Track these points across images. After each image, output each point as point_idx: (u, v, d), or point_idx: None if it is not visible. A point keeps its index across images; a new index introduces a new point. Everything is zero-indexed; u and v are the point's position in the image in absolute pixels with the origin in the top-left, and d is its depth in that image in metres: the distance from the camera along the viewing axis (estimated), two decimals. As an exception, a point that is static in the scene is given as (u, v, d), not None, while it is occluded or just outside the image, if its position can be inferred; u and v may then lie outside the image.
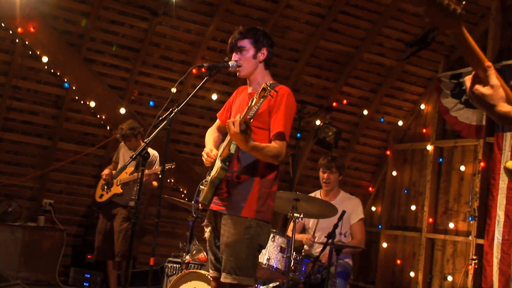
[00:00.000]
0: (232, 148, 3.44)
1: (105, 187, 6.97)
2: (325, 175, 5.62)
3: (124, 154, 7.00)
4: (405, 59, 7.92)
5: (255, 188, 3.49)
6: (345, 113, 8.75)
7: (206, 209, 3.71)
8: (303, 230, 5.87)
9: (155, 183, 6.91)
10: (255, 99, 3.17)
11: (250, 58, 3.58)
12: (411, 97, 8.81)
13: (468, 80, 1.90)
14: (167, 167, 6.47)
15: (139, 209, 3.56)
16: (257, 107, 3.25)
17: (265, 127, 3.51)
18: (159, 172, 6.69)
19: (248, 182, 3.49)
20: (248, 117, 3.23)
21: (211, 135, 3.84)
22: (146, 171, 6.54)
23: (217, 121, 3.92)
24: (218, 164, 3.50)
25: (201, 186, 3.64)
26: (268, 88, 3.13)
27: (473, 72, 1.89)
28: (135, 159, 3.41)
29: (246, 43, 3.58)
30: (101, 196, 7.00)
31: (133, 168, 6.65)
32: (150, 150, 6.77)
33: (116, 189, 6.85)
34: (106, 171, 6.97)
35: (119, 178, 6.80)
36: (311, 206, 4.96)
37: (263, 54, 3.60)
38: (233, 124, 3.23)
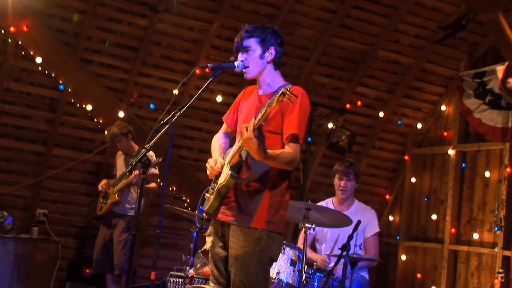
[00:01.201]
0: (243, 155, 3.44)
1: (104, 198, 7.01)
2: (342, 182, 5.60)
3: (121, 163, 7.03)
4: (438, 42, 7.84)
5: (266, 197, 3.49)
6: (359, 115, 8.75)
7: (211, 219, 3.71)
8: (314, 241, 5.86)
9: (154, 185, 6.93)
10: (273, 103, 3.17)
11: (257, 58, 3.58)
12: (430, 98, 8.80)
13: (500, 71, 1.86)
14: (154, 162, 6.46)
15: (139, 219, 3.57)
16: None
17: (277, 131, 3.50)
18: (157, 173, 6.77)
19: (258, 190, 3.49)
20: (262, 122, 3.25)
21: (217, 142, 3.84)
22: (136, 172, 6.53)
23: (224, 126, 3.92)
24: (226, 171, 3.49)
25: (206, 194, 3.64)
26: (288, 92, 3.13)
27: (506, 63, 1.86)
28: (135, 165, 3.42)
29: (252, 42, 3.58)
30: (101, 208, 7.05)
31: (128, 174, 6.65)
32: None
33: (113, 198, 6.90)
34: (102, 182, 7.01)
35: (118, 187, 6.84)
36: (324, 216, 4.96)
37: (270, 54, 3.60)
38: (247, 130, 3.24)
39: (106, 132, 7.06)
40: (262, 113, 3.24)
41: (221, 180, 3.52)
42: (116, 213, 6.91)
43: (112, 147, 7.39)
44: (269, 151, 3.37)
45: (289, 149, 3.44)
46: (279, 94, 3.15)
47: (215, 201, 3.56)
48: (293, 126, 3.46)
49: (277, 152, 3.41)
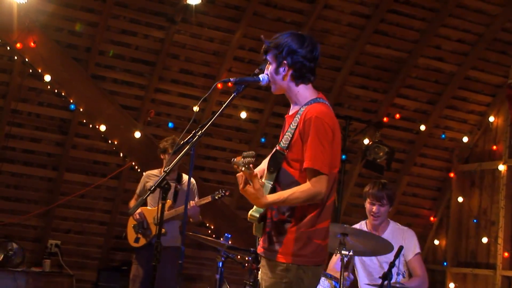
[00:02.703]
0: (266, 189, 3.46)
1: (139, 228, 6.77)
2: (374, 208, 5.52)
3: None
4: None
5: (292, 229, 3.46)
6: (398, 130, 8.70)
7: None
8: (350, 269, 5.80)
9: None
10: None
11: (273, 73, 3.52)
12: (477, 108, 8.72)
13: None
14: (217, 196, 6.42)
15: (160, 250, 3.58)
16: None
17: (301, 159, 3.48)
18: (212, 200, 6.56)
19: (285, 222, 3.48)
20: (253, 173, 3.30)
21: (265, 161, 3.83)
22: (192, 203, 6.48)
23: None
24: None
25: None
26: (240, 166, 3.27)
27: None
28: (153, 191, 3.43)
29: (269, 56, 3.54)
30: (137, 240, 6.76)
31: (171, 202, 6.60)
32: (187, 177, 6.77)
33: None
34: (137, 210, 6.64)
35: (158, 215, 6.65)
36: (361, 242, 4.91)
37: (284, 70, 3.50)
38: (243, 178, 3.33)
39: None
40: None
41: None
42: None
43: (129, 169, 7.41)
44: (272, 198, 3.39)
45: (306, 185, 3.39)
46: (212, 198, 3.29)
47: (258, 226, 3.59)
48: (307, 158, 3.39)
49: (284, 196, 3.38)
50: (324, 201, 3.48)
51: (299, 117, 3.43)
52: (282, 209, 3.48)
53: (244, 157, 3.29)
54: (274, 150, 3.50)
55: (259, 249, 3.59)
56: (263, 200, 3.37)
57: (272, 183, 3.46)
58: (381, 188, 5.46)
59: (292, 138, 3.41)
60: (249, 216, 3.50)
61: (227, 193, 6.40)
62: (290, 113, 3.57)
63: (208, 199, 6.52)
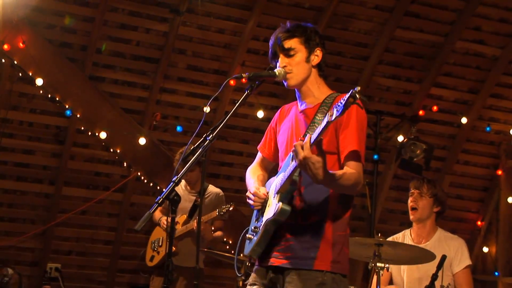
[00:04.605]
0: (295, 181, 3.44)
1: (156, 245, 6.81)
2: (412, 197, 5.53)
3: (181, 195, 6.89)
4: None
5: (328, 232, 3.47)
6: (436, 124, 8.66)
7: (258, 265, 3.69)
8: (391, 283, 5.79)
9: (219, 233, 6.79)
10: (335, 110, 3.06)
11: (302, 62, 3.58)
12: (525, 96, 8.69)
13: None
14: (224, 210, 6.38)
15: (173, 269, 3.59)
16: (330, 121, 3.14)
17: (333, 150, 3.48)
18: (218, 216, 6.48)
19: (318, 224, 3.48)
20: (322, 137, 3.21)
21: (253, 173, 3.83)
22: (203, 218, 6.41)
23: (258, 156, 3.93)
24: (274, 203, 3.48)
25: (247, 235, 3.64)
26: (357, 95, 3.03)
27: None
28: (161, 204, 3.44)
29: (295, 43, 3.59)
30: (152, 258, 6.81)
31: (185, 216, 6.61)
32: (212, 188, 6.78)
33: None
34: (164, 218, 6.62)
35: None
36: (399, 252, 4.91)
37: (317, 56, 3.61)
38: (302, 148, 3.21)
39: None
40: (322, 125, 3.17)
41: (269, 214, 3.50)
42: (175, 265, 6.67)
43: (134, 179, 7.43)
44: (331, 171, 3.34)
45: (351, 169, 3.43)
46: (348, 95, 3.01)
47: (262, 242, 3.55)
48: (352, 141, 3.45)
49: (339, 173, 3.37)
50: (353, 199, 3.57)
51: (328, 107, 3.46)
52: (313, 209, 3.48)
53: None
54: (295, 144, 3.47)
55: (279, 262, 3.54)
56: (327, 172, 3.28)
57: (297, 179, 3.46)
58: (423, 178, 5.52)
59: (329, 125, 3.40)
60: (279, 210, 3.43)
61: (231, 208, 6.35)
62: (310, 106, 3.59)
63: (214, 214, 6.47)
